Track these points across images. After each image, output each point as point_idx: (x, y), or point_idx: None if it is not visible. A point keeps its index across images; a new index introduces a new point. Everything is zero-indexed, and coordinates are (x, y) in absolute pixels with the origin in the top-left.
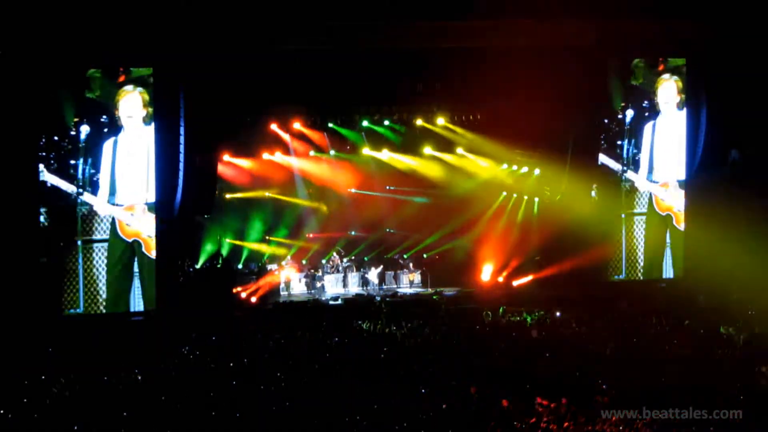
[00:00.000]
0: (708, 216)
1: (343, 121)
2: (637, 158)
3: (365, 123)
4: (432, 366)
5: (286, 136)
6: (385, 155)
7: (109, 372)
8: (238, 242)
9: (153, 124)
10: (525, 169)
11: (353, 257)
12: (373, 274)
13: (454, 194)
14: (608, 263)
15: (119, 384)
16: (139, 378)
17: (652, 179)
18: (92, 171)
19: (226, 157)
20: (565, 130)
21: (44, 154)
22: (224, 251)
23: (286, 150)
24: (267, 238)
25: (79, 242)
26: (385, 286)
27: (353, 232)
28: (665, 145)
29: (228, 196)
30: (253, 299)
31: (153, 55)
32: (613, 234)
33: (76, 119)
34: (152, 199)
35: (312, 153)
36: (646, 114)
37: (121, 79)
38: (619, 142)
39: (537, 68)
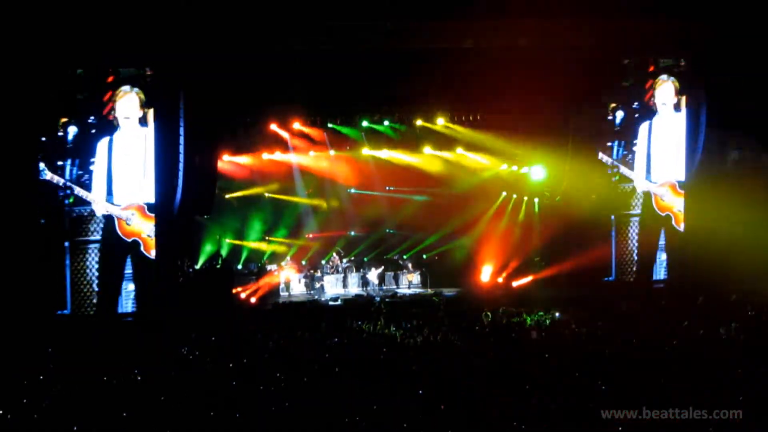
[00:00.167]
0: (708, 216)
1: (343, 121)
2: (628, 159)
3: (365, 123)
4: (432, 366)
5: (285, 136)
6: (385, 154)
7: (109, 373)
8: (237, 242)
9: (149, 125)
10: (525, 169)
11: (353, 258)
12: (372, 275)
13: (453, 194)
14: (608, 264)
15: (118, 385)
16: (139, 378)
17: (651, 180)
18: (81, 171)
19: (226, 157)
20: (565, 130)
21: (39, 155)
22: (224, 252)
23: (286, 150)
24: (267, 238)
25: (66, 243)
26: (384, 287)
27: (353, 233)
28: (663, 146)
29: (228, 196)
30: (253, 300)
31: (153, 56)
32: (614, 234)
33: (65, 119)
34: (151, 199)
35: (312, 153)
36: (637, 115)
37: (110, 79)
38: (608, 144)
39: (537, 68)
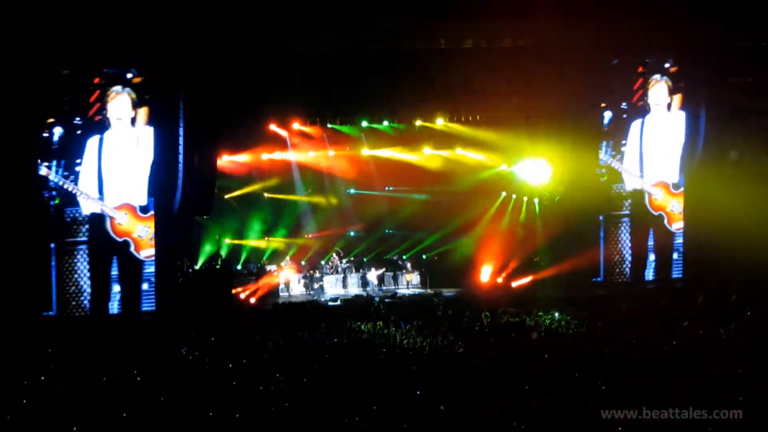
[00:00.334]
0: (708, 216)
1: (343, 121)
2: (617, 159)
3: (364, 123)
4: (431, 366)
5: (285, 136)
6: (385, 153)
7: (107, 373)
8: (237, 241)
9: (137, 125)
10: (515, 167)
11: (352, 258)
12: (372, 275)
13: (453, 194)
14: (608, 264)
15: (117, 385)
16: (138, 379)
17: (644, 179)
18: (67, 172)
19: (226, 157)
20: (564, 130)
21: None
22: (223, 252)
23: (285, 149)
24: (266, 238)
25: (52, 245)
26: (384, 287)
27: (352, 233)
28: (656, 146)
29: (227, 196)
30: (252, 300)
31: (153, 56)
32: (602, 235)
33: (51, 120)
34: (142, 201)
35: (311, 153)
36: (625, 115)
37: (96, 80)
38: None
39: (537, 68)
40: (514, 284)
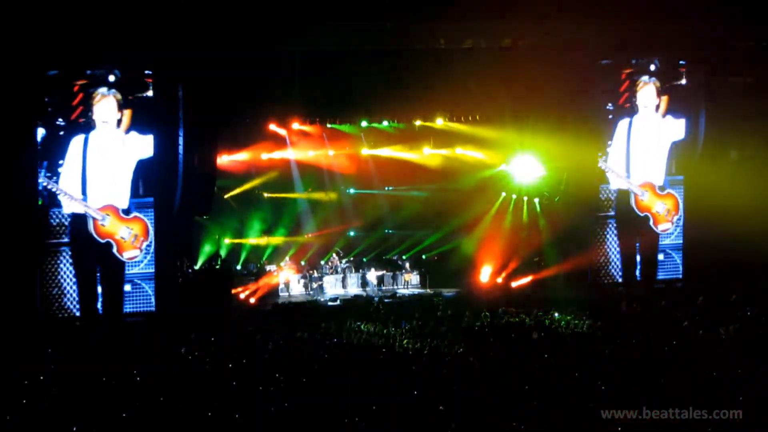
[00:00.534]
0: (708, 216)
1: (342, 121)
2: (603, 159)
3: (364, 123)
4: (431, 366)
5: (285, 136)
6: (385, 152)
7: (104, 374)
8: (237, 240)
9: (122, 127)
10: (520, 168)
11: (352, 258)
12: (372, 275)
13: (453, 193)
14: (608, 265)
15: (117, 386)
16: (138, 379)
17: (630, 180)
18: (49, 174)
19: (225, 157)
20: (564, 129)
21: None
22: (223, 252)
23: (285, 149)
24: (266, 238)
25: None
26: (384, 287)
27: (352, 233)
28: (644, 147)
29: (226, 196)
30: (252, 300)
31: (153, 56)
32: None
33: (39, 120)
34: (124, 203)
35: (311, 152)
36: (610, 116)
37: (81, 82)
38: None
39: (537, 68)
40: (514, 284)
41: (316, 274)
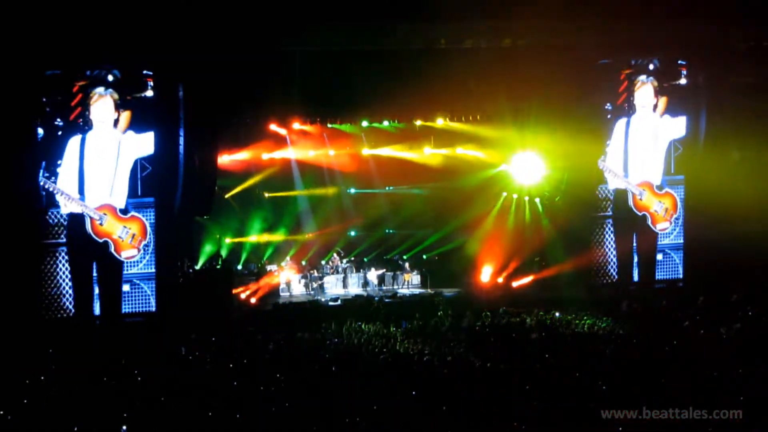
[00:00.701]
0: (709, 216)
1: (343, 121)
2: (601, 159)
3: (364, 123)
4: (432, 367)
5: (285, 135)
6: (385, 152)
7: (102, 374)
8: (238, 239)
9: (120, 127)
10: (520, 167)
11: (353, 258)
12: (372, 275)
13: (454, 194)
14: (608, 264)
15: (119, 386)
16: (139, 379)
17: (628, 179)
18: (48, 173)
19: (226, 156)
20: (564, 129)
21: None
22: (224, 252)
23: (286, 149)
24: (266, 238)
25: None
26: (384, 287)
27: (353, 232)
28: (641, 146)
29: (227, 195)
30: (253, 300)
31: (153, 56)
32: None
33: (38, 120)
34: (121, 203)
35: (311, 152)
36: (609, 116)
37: (80, 83)
38: None
39: (536, 68)
40: (515, 284)
41: (316, 274)
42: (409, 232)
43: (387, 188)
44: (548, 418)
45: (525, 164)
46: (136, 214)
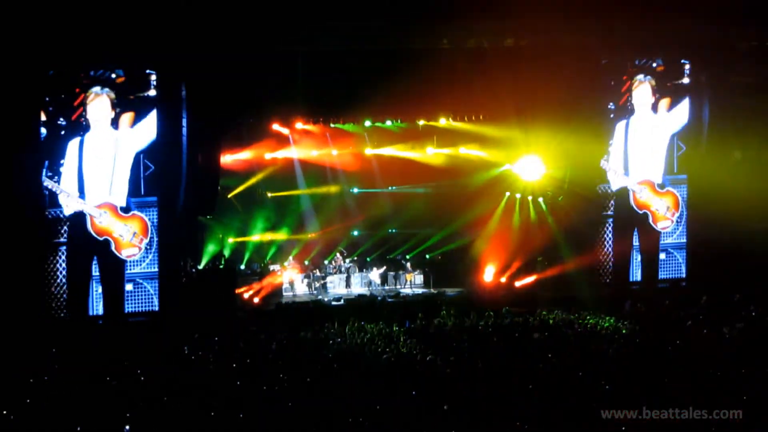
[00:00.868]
0: (711, 215)
1: (346, 120)
2: (605, 159)
3: (367, 123)
4: (434, 367)
5: (288, 135)
6: (388, 151)
7: (112, 373)
8: (240, 239)
9: (120, 127)
10: (528, 168)
11: (356, 258)
12: (375, 275)
13: (457, 193)
14: (609, 264)
15: (122, 385)
16: (142, 378)
17: (629, 177)
18: (51, 173)
19: (229, 156)
20: (568, 128)
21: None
22: (226, 252)
23: (289, 149)
24: (269, 237)
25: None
26: (387, 287)
27: (356, 232)
28: (641, 146)
29: (230, 195)
30: (256, 300)
31: (157, 55)
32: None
33: (41, 119)
34: (122, 201)
35: (314, 152)
36: (612, 116)
37: (86, 82)
38: None
39: (540, 68)
40: (518, 284)
41: (319, 274)
42: (411, 232)
43: (390, 188)
44: (551, 418)
45: (528, 164)
46: (137, 212)
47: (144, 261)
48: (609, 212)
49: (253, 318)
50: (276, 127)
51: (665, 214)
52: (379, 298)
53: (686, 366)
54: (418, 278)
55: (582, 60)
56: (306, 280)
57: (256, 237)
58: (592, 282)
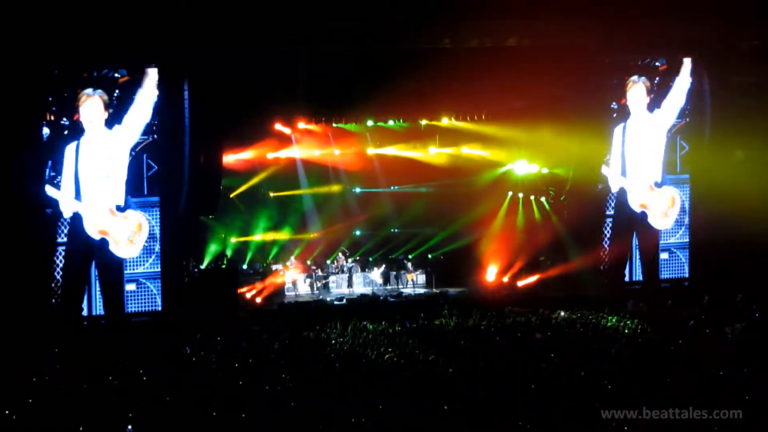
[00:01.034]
0: (714, 215)
1: (348, 120)
2: (606, 160)
3: (369, 122)
4: (436, 366)
5: (290, 135)
6: (390, 151)
7: (114, 373)
8: (243, 239)
9: (114, 127)
10: (530, 168)
11: (358, 257)
12: (377, 275)
13: (459, 193)
14: (614, 263)
15: (124, 385)
16: (144, 379)
17: (627, 177)
18: (54, 173)
19: (231, 156)
20: (570, 128)
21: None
22: (229, 251)
23: (291, 149)
24: (272, 237)
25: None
26: (389, 287)
27: (358, 232)
28: (638, 146)
29: (232, 195)
30: (258, 299)
31: (158, 55)
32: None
33: (44, 120)
34: (119, 201)
35: (316, 151)
36: (614, 115)
37: (87, 81)
38: None
39: (538, 68)
40: (520, 284)
41: (321, 274)
42: (413, 232)
43: (392, 187)
44: (553, 418)
45: (530, 163)
46: (134, 210)
47: (147, 261)
48: (611, 212)
49: (256, 318)
50: (278, 126)
51: (664, 212)
52: (381, 297)
53: (688, 366)
54: (420, 278)
55: (584, 59)
56: (308, 280)
57: (258, 237)
58: (594, 281)
